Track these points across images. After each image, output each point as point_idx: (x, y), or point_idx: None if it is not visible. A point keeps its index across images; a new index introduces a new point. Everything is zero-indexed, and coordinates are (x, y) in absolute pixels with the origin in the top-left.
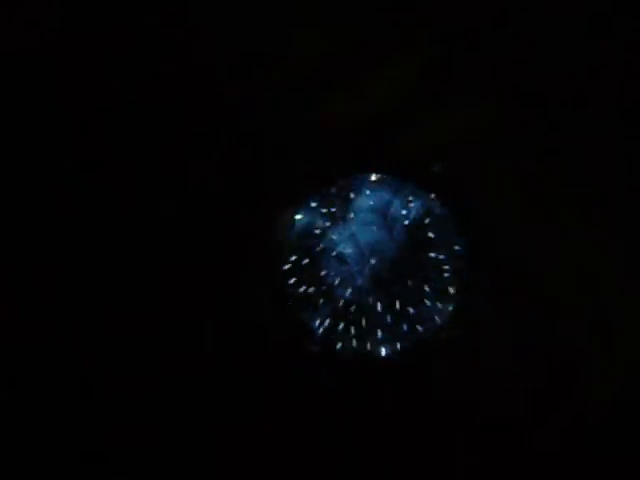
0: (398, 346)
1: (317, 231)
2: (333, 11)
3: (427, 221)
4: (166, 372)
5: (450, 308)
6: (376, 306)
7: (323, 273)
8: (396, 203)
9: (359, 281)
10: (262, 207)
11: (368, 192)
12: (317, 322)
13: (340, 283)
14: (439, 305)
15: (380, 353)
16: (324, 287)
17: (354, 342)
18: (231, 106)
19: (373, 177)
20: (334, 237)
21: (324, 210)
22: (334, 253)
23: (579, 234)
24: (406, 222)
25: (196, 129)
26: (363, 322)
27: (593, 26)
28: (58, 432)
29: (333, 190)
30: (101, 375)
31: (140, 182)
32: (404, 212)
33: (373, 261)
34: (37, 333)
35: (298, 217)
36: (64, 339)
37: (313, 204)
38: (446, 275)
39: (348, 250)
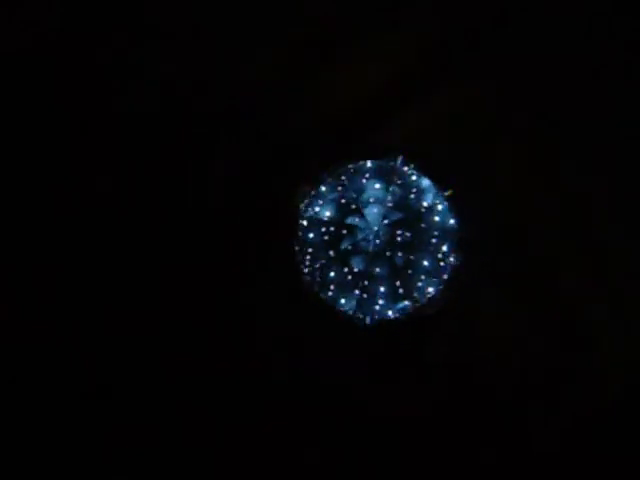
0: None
1: (330, 211)
2: (332, 10)
3: (426, 204)
4: (167, 372)
5: (441, 286)
6: (378, 274)
7: (336, 242)
8: (397, 187)
9: (367, 247)
10: (278, 184)
11: (373, 179)
12: (329, 285)
13: (350, 250)
14: (434, 281)
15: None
16: (336, 254)
17: (357, 305)
18: (232, 104)
19: (374, 164)
20: (346, 213)
21: (335, 193)
22: (345, 225)
23: (579, 233)
24: (406, 204)
25: (199, 127)
26: (367, 288)
27: (593, 26)
28: (58, 432)
29: (342, 174)
30: (101, 375)
31: (142, 181)
32: (404, 195)
33: (377, 230)
34: (37, 333)
35: (316, 208)
36: (65, 339)
37: (324, 189)
38: (440, 254)
39: (357, 222)
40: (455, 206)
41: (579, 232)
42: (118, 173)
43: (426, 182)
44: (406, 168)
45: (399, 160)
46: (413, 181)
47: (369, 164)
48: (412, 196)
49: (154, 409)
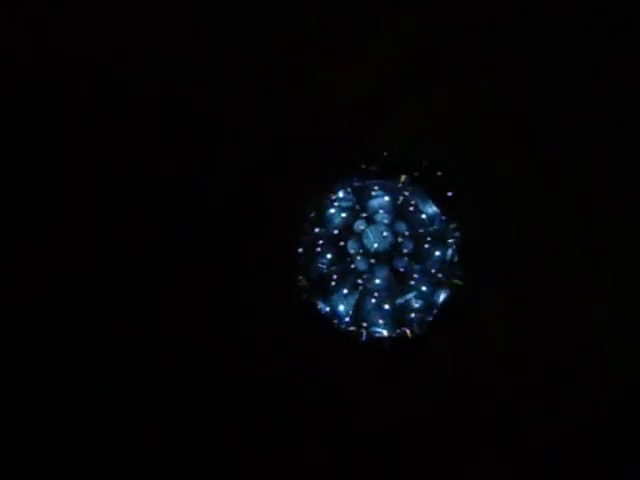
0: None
1: (338, 218)
2: (332, 10)
3: (425, 217)
4: (167, 371)
5: (443, 296)
6: (380, 285)
7: (341, 245)
8: (396, 200)
9: (370, 251)
10: (287, 188)
11: (379, 189)
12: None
13: (354, 257)
14: (435, 293)
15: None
16: (340, 256)
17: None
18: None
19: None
20: (352, 222)
21: (345, 203)
22: (352, 232)
23: (579, 233)
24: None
25: (199, 127)
26: (368, 298)
27: (593, 26)
28: (59, 432)
29: (351, 185)
30: (101, 375)
31: (142, 181)
32: (406, 205)
33: (380, 235)
34: (39, 333)
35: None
36: (65, 338)
37: (334, 196)
38: (440, 267)
39: (363, 228)
40: (455, 208)
41: (579, 232)
42: (118, 173)
43: (432, 208)
44: (410, 189)
45: (405, 180)
46: (417, 198)
47: (376, 181)
48: (412, 208)
49: (154, 409)
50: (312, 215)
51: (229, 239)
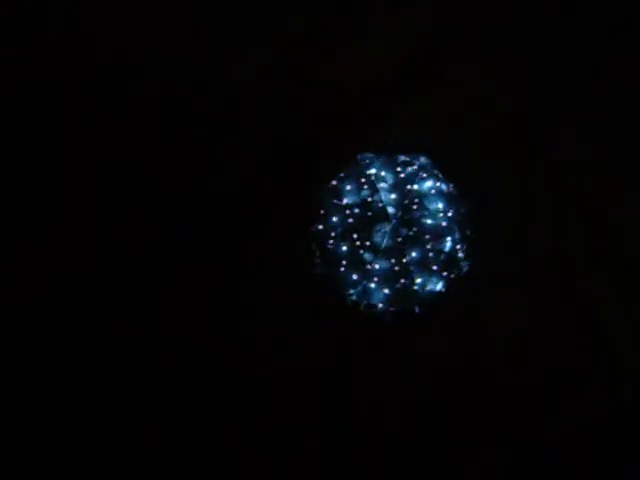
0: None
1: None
2: (332, 10)
3: (428, 212)
4: (169, 372)
5: (441, 285)
6: (387, 266)
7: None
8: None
9: (379, 239)
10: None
11: (390, 173)
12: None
13: (364, 238)
14: (436, 280)
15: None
16: (351, 242)
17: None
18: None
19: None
20: (362, 205)
21: (353, 198)
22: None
23: (575, 234)
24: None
25: (199, 127)
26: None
27: (593, 26)
28: (59, 431)
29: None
30: (101, 374)
31: (143, 181)
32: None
33: (393, 222)
34: (39, 333)
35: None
36: (66, 337)
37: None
38: (444, 254)
39: (371, 223)
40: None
41: (579, 232)
42: (118, 173)
43: (436, 204)
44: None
45: (419, 163)
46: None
47: (390, 170)
48: (417, 204)
49: (154, 408)
50: (323, 208)
51: (229, 239)
